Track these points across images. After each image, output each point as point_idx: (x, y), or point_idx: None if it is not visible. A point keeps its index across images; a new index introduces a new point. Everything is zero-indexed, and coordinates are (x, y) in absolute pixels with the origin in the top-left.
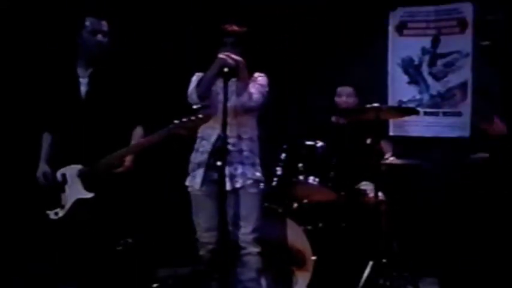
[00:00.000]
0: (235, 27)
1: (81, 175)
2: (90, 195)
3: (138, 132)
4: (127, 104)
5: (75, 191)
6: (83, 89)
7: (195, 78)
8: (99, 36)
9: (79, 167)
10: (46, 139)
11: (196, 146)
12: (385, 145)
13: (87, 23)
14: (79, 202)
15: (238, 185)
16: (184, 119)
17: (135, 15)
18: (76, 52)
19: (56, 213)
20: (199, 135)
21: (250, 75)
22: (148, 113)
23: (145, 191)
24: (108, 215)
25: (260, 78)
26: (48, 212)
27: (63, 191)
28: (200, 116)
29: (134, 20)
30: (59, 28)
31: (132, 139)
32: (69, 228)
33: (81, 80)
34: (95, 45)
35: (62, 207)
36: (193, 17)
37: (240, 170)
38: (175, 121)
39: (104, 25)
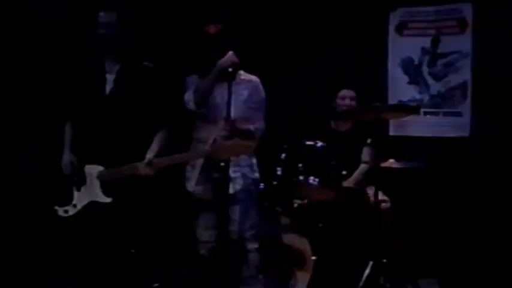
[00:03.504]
0: (214, 27)
1: (101, 178)
2: (107, 200)
3: (159, 136)
4: (151, 104)
5: (91, 193)
6: (108, 85)
7: (188, 82)
8: (102, 29)
9: (100, 168)
10: (69, 129)
11: (190, 148)
12: (365, 152)
13: (99, 17)
14: (93, 205)
15: (239, 187)
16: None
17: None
18: (103, 47)
19: (66, 211)
20: (194, 137)
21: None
22: (172, 114)
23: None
24: (123, 223)
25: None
26: (57, 208)
27: (79, 189)
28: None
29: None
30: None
31: (154, 142)
32: (77, 229)
33: (108, 76)
34: (107, 38)
35: (74, 206)
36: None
37: (239, 172)
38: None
39: (109, 16)
